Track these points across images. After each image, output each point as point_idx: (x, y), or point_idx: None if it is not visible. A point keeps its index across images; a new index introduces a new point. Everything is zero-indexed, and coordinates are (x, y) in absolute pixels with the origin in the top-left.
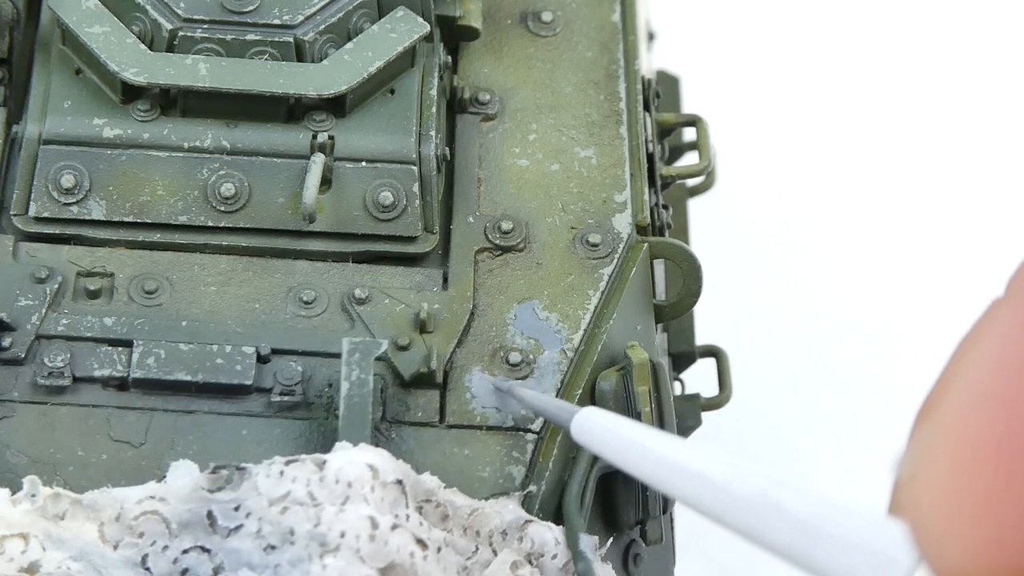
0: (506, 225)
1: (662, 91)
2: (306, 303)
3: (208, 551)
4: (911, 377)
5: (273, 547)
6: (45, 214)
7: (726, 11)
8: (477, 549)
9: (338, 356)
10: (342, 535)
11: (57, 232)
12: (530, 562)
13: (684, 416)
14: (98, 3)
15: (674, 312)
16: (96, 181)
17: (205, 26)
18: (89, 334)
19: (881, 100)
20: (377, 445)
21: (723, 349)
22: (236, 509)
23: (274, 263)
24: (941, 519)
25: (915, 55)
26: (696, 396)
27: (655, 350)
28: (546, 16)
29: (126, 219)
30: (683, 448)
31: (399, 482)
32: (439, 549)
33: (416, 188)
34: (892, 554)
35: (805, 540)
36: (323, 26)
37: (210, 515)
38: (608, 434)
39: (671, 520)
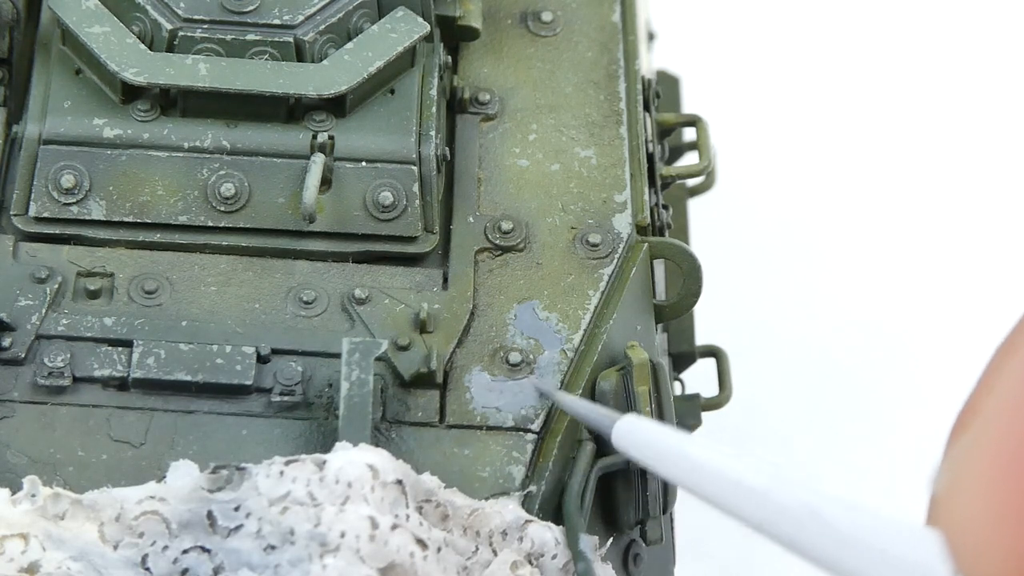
0: (506, 225)
1: (662, 91)
2: (306, 303)
3: (208, 551)
4: (911, 376)
5: (273, 547)
6: (45, 214)
7: (726, 11)
8: (477, 549)
9: (338, 356)
10: (342, 535)
11: (57, 232)
12: (530, 562)
13: (684, 416)
14: (98, 3)
15: (674, 312)
16: (96, 181)
17: (205, 26)
18: (89, 334)
19: (881, 100)
20: (377, 445)
21: (723, 349)
22: (236, 509)
23: (274, 263)
24: (978, 532)
25: (915, 55)
26: (696, 396)
27: (655, 350)
28: (546, 16)
29: (126, 219)
30: (724, 457)
31: (399, 482)
32: (439, 549)
33: (416, 188)
34: (929, 566)
35: (844, 550)
36: (323, 26)
37: (210, 515)
38: (649, 442)
39: (671, 520)
